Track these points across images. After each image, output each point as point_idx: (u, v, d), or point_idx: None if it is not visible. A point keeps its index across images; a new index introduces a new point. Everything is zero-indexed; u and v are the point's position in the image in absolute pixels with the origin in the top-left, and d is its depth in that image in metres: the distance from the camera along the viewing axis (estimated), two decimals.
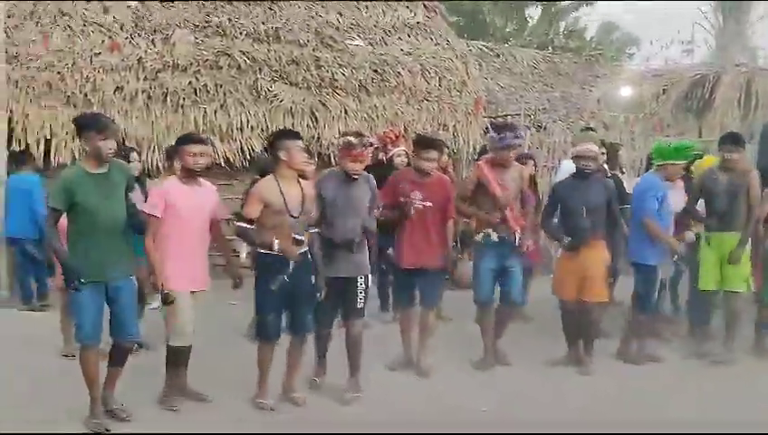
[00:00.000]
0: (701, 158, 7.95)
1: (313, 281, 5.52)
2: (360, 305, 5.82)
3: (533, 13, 24.82)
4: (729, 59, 18.94)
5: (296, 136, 5.60)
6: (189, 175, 5.42)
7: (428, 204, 6.25)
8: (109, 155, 4.95)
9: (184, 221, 5.31)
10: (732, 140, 7.04)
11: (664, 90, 14.50)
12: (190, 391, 5.57)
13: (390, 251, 6.66)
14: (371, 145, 6.21)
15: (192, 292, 5.41)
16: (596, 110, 14.00)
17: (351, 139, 5.68)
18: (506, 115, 12.67)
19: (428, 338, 6.50)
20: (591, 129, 8.39)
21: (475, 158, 9.62)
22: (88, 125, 4.95)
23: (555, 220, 6.77)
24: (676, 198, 7.18)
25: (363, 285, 5.81)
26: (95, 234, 4.91)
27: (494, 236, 6.38)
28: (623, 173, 8.20)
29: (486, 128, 11.76)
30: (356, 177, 5.69)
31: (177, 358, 5.46)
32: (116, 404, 5.18)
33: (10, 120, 8.93)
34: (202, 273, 5.48)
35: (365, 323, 6.07)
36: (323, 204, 5.67)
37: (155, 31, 10.83)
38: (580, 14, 24.65)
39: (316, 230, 5.60)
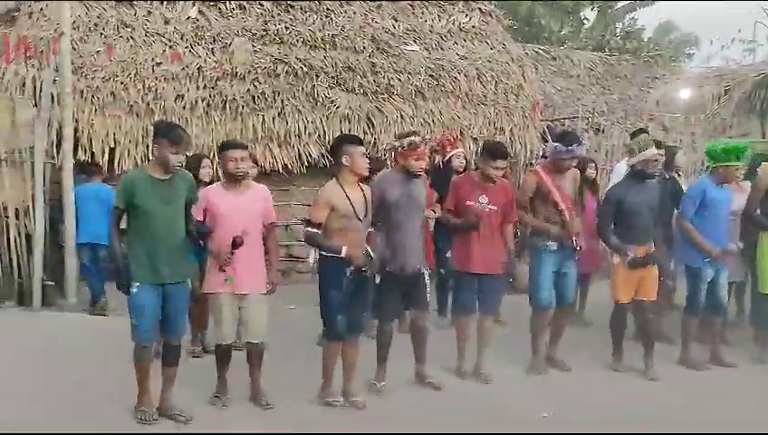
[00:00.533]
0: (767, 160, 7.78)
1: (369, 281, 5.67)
2: (428, 298, 6.04)
3: (589, 15, 24.56)
4: None
5: (358, 142, 5.74)
6: (232, 180, 5.50)
7: (494, 208, 6.31)
8: (176, 168, 5.08)
9: (226, 226, 5.37)
10: None
11: (726, 90, 14.17)
12: (256, 396, 5.63)
13: (449, 255, 6.68)
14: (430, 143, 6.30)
15: (243, 294, 5.45)
16: (655, 112, 13.77)
17: (415, 138, 5.78)
18: (563, 118, 12.56)
19: (487, 344, 6.50)
20: (644, 130, 8.26)
21: (532, 162, 9.58)
22: (163, 133, 5.06)
23: (613, 226, 6.69)
24: (739, 201, 7.05)
25: (429, 279, 6.01)
26: (152, 237, 5.04)
27: (554, 245, 6.41)
28: (680, 176, 8.07)
29: (543, 132, 11.72)
30: (419, 174, 5.83)
31: (219, 356, 5.60)
32: (176, 409, 5.28)
33: (76, 130, 9.15)
34: (251, 276, 5.49)
35: None
36: (386, 204, 5.77)
37: (214, 40, 11.01)
38: (636, 15, 24.31)
39: (372, 230, 5.69)
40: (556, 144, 6.47)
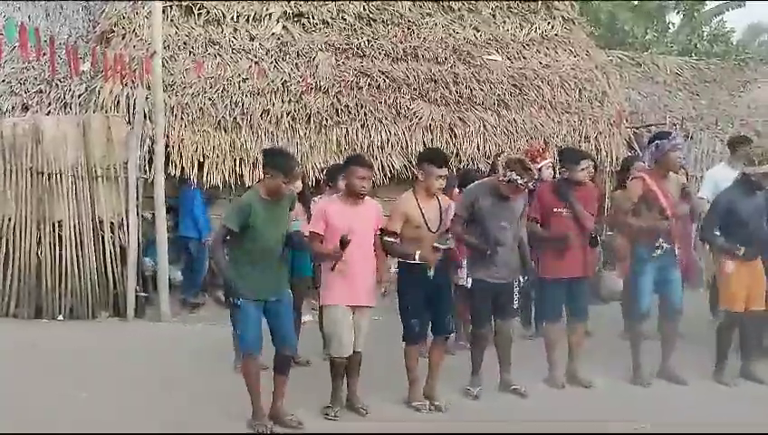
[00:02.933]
0: None
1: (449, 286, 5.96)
2: (515, 306, 6.24)
3: (674, 19, 23.98)
4: None
5: (440, 163, 5.81)
6: (352, 195, 5.65)
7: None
8: (287, 194, 5.31)
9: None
10: None
11: None
12: (353, 402, 5.78)
13: (532, 264, 6.68)
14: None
15: (356, 306, 5.64)
16: (746, 116, 13.32)
17: (518, 179, 5.79)
18: (650, 125, 12.26)
19: (581, 351, 6.49)
20: (748, 139, 8.03)
21: (617, 169, 9.39)
22: (278, 166, 5.21)
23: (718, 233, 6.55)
24: None
25: (518, 288, 6.17)
26: (259, 256, 5.23)
27: (661, 250, 6.32)
28: None
29: (629, 139, 11.49)
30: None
31: (335, 369, 5.73)
32: (287, 415, 5.45)
33: (167, 145, 9.44)
34: (365, 289, 5.68)
35: None
36: (480, 215, 5.90)
37: (298, 55, 11.20)
38: (725, 18, 23.58)
39: (449, 246, 5.76)
40: (657, 142, 6.43)
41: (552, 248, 6.37)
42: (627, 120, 11.81)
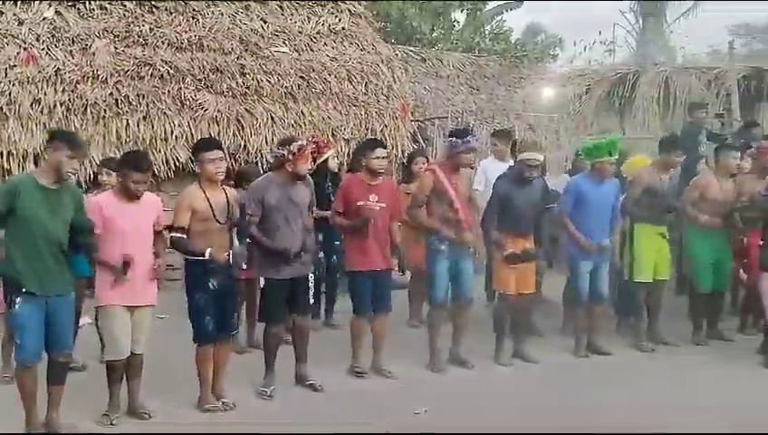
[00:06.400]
0: (625, 156, 8.16)
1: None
2: (311, 301, 6.30)
3: (460, 17, 25.04)
4: (649, 58, 19.47)
5: (213, 147, 5.74)
6: (126, 191, 5.37)
7: (383, 205, 6.46)
8: (68, 174, 4.92)
9: (120, 236, 5.26)
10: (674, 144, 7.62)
11: (587, 90, 14.81)
12: (134, 407, 5.52)
13: (335, 258, 6.79)
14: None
15: (135, 306, 5.39)
16: (521, 111, 14.20)
17: (302, 142, 5.95)
18: (433, 118, 12.76)
19: (384, 343, 6.64)
20: (508, 131, 8.53)
21: (404, 162, 9.67)
22: (61, 138, 4.92)
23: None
24: (610, 195, 7.29)
25: (312, 282, 6.22)
26: (36, 247, 4.83)
27: (446, 244, 6.54)
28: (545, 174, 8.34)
29: (414, 132, 11.88)
30: (305, 177, 5.97)
31: (112, 372, 5.44)
32: (65, 429, 5.09)
33: None
34: (144, 287, 5.42)
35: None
36: (267, 209, 5.85)
37: (73, 42, 10.56)
38: (504, 18, 24.96)
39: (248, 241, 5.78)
40: (452, 139, 6.68)
41: (356, 241, 6.47)
42: (411, 114, 12.19)
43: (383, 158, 6.51)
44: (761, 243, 7.05)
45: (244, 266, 5.73)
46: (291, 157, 5.84)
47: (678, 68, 15.45)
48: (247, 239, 5.88)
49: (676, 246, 7.93)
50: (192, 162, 9.67)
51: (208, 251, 5.43)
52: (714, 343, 7.62)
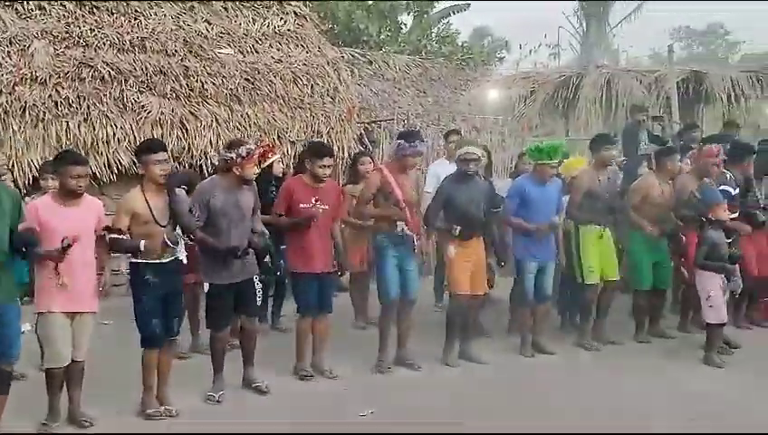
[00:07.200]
0: (567, 157, 8.26)
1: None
2: (258, 303, 6.38)
3: (407, 20, 25.13)
4: (592, 60, 19.79)
5: (156, 149, 5.68)
6: (68, 194, 5.28)
7: (326, 207, 6.47)
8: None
9: (57, 240, 5.11)
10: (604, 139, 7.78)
11: (531, 92, 14.98)
12: (75, 415, 5.42)
13: (282, 262, 6.86)
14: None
15: (76, 313, 5.31)
16: (467, 113, 14.30)
17: (250, 146, 5.98)
18: (380, 121, 12.77)
19: (326, 344, 6.67)
20: (457, 131, 8.58)
21: (350, 163, 9.65)
22: None
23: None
24: (553, 195, 7.37)
25: (259, 284, 6.31)
26: None
27: (404, 230, 6.57)
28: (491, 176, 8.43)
29: (360, 135, 11.87)
30: (251, 181, 5.96)
31: (52, 380, 5.34)
32: None
33: None
34: (85, 293, 5.34)
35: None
36: (212, 212, 5.83)
37: (11, 42, 10.32)
38: (451, 21, 25.13)
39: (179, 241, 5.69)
40: (399, 141, 6.74)
41: (299, 243, 6.48)
42: (358, 116, 12.18)
43: (329, 166, 6.53)
44: (696, 241, 7.21)
45: (184, 253, 5.68)
46: (239, 161, 5.83)
47: (620, 71, 15.70)
48: (190, 241, 5.85)
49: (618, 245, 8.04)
50: (135, 165, 9.60)
51: (142, 243, 5.43)
52: (655, 341, 7.75)
